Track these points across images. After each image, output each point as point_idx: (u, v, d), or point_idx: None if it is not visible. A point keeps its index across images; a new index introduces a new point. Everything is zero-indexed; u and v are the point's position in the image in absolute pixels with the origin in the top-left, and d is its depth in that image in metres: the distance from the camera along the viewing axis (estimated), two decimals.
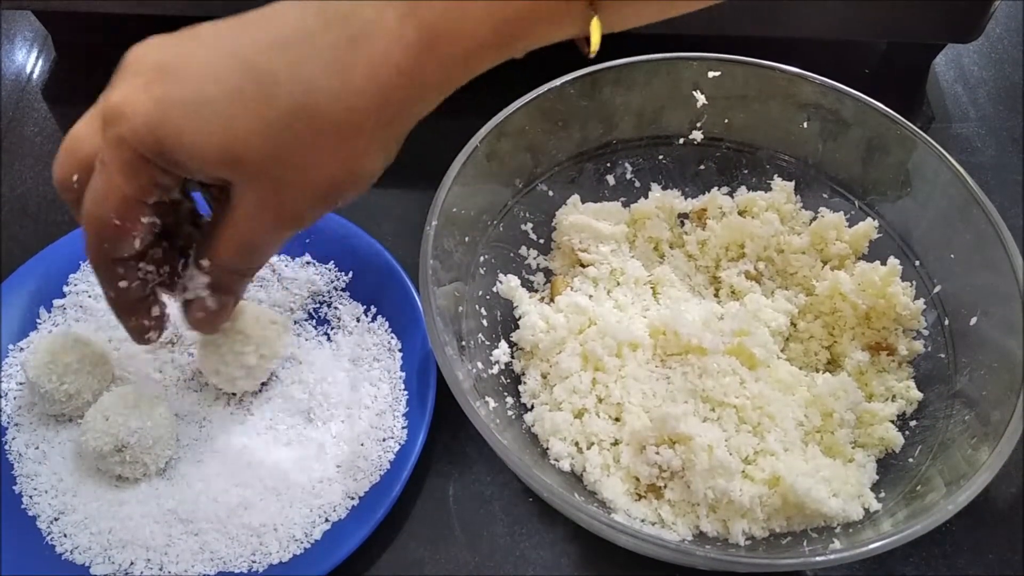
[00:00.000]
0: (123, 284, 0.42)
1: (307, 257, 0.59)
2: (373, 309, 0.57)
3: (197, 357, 0.52)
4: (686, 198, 0.60)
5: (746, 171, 0.60)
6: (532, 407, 0.51)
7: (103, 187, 0.38)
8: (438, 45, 0.35)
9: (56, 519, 0.49)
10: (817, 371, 0.54)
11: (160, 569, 0.47)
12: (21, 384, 0.53)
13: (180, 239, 0.45)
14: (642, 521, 0.47)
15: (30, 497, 0.49)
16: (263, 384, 0.54)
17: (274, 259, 0.59)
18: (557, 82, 0.54)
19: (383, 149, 0.38)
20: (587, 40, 0.38)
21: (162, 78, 0.36)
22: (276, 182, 0.37)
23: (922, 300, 0.53)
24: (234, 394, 0.53)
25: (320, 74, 0.35)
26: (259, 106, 0.35)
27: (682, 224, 0.60)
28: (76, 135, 0.40)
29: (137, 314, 0.44)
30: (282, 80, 0.35)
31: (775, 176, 0.59)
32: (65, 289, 0.57)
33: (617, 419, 0.50)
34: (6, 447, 0.51)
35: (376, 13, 0.35)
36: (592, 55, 0.38)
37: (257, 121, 0.35)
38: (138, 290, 0.43)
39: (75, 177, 0.40)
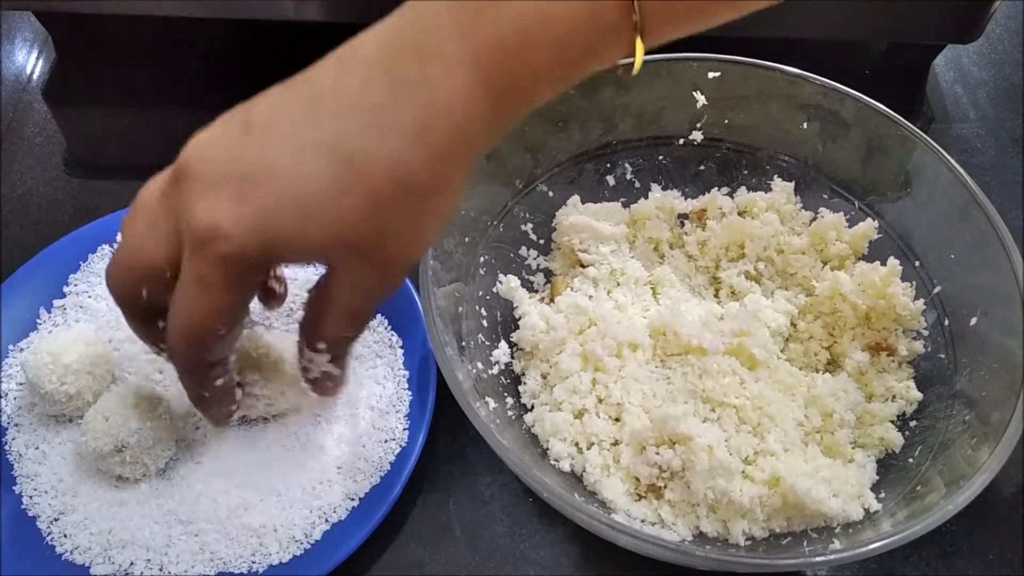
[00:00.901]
0: (219, 382, 0.43)
1: None
2: None
3: None
4: (686, 198, 0.60)
5: (746, 171, 0.60)
6: (532, 407, 0.51)
7: (205, 303, 0.37)
8: (505, 100, 0.36)
9: (56, 519, 0.49)
10: (817, 371, 0.54)
11: (160, 569, 0.47)
12: (21, 384, 0.53)
13: None
14: (642, 521, 0.47)
15: (30, 497, 0.49)
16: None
17: None
18: None
19: (463, 188, 0.39)
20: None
21: (252, 188, 0.35)
22: (382, 253, 0.38)
23: (922, 300, 0.53)
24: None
25: (408, 147, 0.35)
26: (359, 188, 0.35)
27: (682, 224, 0.60)
28: (140, 249, 0.39)
29: (224, 403, 0.45)
30: (374, 160, 0.35)
31: (775, 176, 0.59)
32: (65, 290, 0.57)
33: (617, 419, 0.50)
34: (6, 447, 0.51)
35: (444, 76, 0.35)
36: (635, 72, 0.39)
37: (361, 203, 0.35)
38: (229, 382, 0.44)
39: (146, 292, 0.39)
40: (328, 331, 0.41)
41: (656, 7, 0.36)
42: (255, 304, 0.46)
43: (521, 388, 0.52)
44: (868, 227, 0.56)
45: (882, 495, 0.47)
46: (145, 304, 0.40)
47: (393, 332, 0.56)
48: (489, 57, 0.35)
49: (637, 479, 0.48)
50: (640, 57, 0.37)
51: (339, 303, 0.40)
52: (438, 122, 0.35)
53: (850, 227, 0.57)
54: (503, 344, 0.53)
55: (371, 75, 0.35)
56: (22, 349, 0.54)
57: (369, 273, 0.38)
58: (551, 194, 0.58)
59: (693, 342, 0.50)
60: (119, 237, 0.54)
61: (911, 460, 0.49)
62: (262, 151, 0.36)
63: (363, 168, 0.35)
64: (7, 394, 0.53)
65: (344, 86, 0.36)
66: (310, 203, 0.35)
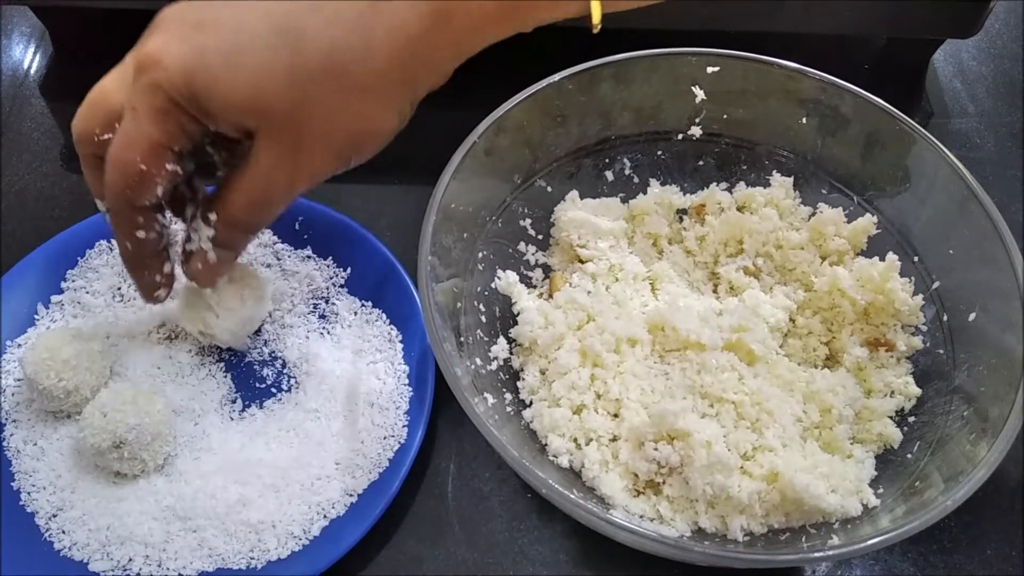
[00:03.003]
0: (141, 234, 0.44)
1: (308, 251, 0.59)
2: (371, 304, 0.57)
3: (180, 310, 0.53)
4: (685, 194, 0.60)
5: (745, 167, 0.60)
6: (531, 403, 0.51)
7: (132, 132, 0.40)
8: (450, 18, 0.38)
9: (54, 515, 0.49)
10: (816, 367, 0.54)
11: (159, 566, 0.47)
12: (19, 380, 0.53)
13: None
14: (640, 517, 0.47)
15: (28, 493, 0.49)
16: (264, 377, 0.54)
17: (277, 247, 0.59)
18: (556, 77, 0.54)
19: (398, 110, 0.40)
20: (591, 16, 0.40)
21: (197, 30, 0.39)
22: (297, 134, 0.39)
23: (921, 296, 0.53)
24: (235, 390, 0.53)
25: (345, 34, 0.38)
26: (288, 59, 0.38)
27: (681, 220, 0.60)
28: (104, 88, 0.42)
29: (150, 269, 0.47)
30: (310, 37, 0.38)
31: (774, 172, 0.59)
32: (63, 285, 0.57)
33: (616, 415, 0.50)
34: (4, 443, 0.51)
35: None
36: (595, 30, 0.40)
37: (286, 72, 0.38)
38: (154, 243, 0.45)
39: (98, 131, 0.42)
40: (224, 204, 0.43)
41: None
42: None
43: (520, 384, 0.52)
44: (867, 222, 0.56)
45: (880, 491, 0.47)
46: (98, 149, 0.42)
47: (392, 326, 0.56)
48: None
49: (635, 475, 0.48)
50: (597, 12, 0.39)
51: (245, 180, 0.41)
52: (379, 19, 0.38)
53: (849, 222, 0.57)
54: (501, 340, 0.53)
55: None
56: (20, 345, 0.54)
57: (282, 154, 0.40)
58: (549, 189, 0.58)
59: (692, 338, 0.50)
60: None
61: (909, 456, 0.49)
62: (222, 8, 0.39)
63: (298, 42, 0.38)
64: (5, 390, 0.52)
65: None
66: (240, 56, 0.38)
